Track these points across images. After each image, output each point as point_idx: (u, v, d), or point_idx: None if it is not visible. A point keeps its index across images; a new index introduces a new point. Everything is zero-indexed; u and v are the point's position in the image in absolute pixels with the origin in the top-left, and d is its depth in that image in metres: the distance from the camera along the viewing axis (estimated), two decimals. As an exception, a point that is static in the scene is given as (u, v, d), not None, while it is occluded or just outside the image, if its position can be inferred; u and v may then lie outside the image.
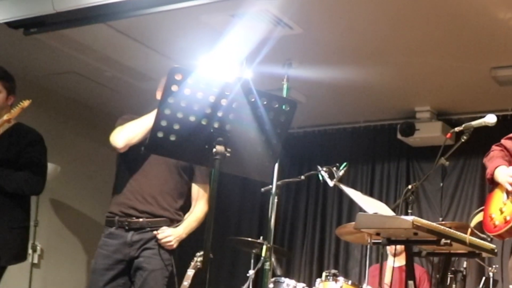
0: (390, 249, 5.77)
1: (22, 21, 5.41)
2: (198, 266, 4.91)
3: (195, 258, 5.04)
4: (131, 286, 3.81)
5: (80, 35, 5.69)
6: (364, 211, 3.82)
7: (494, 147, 3.57)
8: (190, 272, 4.99)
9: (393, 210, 4.12)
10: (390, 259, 5.86)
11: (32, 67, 6.59)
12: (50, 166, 6.28)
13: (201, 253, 4.19)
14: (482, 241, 3.83)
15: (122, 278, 3.77)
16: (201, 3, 4.84)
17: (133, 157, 3.81)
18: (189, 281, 4.89)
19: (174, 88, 2.74)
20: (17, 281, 6.25)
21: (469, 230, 3.51)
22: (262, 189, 5.26)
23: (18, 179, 4.13)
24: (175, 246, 3.81)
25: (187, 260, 5.08)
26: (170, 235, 3.77)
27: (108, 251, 3.76)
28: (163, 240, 3.76)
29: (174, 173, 3.86)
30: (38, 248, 6.39)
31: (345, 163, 4.75)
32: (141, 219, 3.76)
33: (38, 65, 6.53)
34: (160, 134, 2.79)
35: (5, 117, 4.10)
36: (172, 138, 2.80)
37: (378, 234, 3.75)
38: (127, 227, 3.75)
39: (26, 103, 4.13)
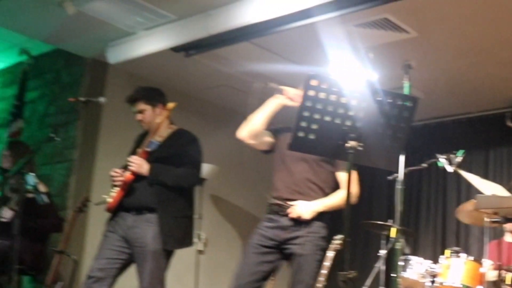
0: (508, 226, 5.53)
1: (183, 46, 5.68)
2: (337, 248, 4.94)
3: (334, 241, 5.08)
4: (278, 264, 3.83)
5: (229, 53, 5.88)
6: (482, 193, 3.73)
7: None
8: (330, 254, 5.03)
9: (508, 191, 3.99)
10: (507, 235, 5.63)
11: (192, 83, 6.81)
12: (211, 167, 6.49)
13: (339, 236, 4.20)
14: None
15: (271, 255, 3.80)
16: (328, 17, 4.89)
17: (278, 158, 3.90)
18: (330, 261, 4.94)
19: (311, 92, 2.80)
20: (186, 265, 6.45)
21: None
22: (389, 177, 5.20)
23: (176, 174, 4.15)
24: (305, 216, 3.72)
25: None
26: (298, 205, 3.72)
27: (263, 231, 3.83)
28: (290, 210, 3.72)
29: (313, 166, 3.83)
30: (203, 237, 6.52)
31: (462, 151, 4.63)
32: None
33: (197, 81, 6.75)
34: (301, 134, 2.85)
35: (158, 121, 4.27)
36: (311, 136, 2.85)
37: (495, 213, 3.65)
38: (281, 213, 3.80)
39: (171, 105, 4.28)
